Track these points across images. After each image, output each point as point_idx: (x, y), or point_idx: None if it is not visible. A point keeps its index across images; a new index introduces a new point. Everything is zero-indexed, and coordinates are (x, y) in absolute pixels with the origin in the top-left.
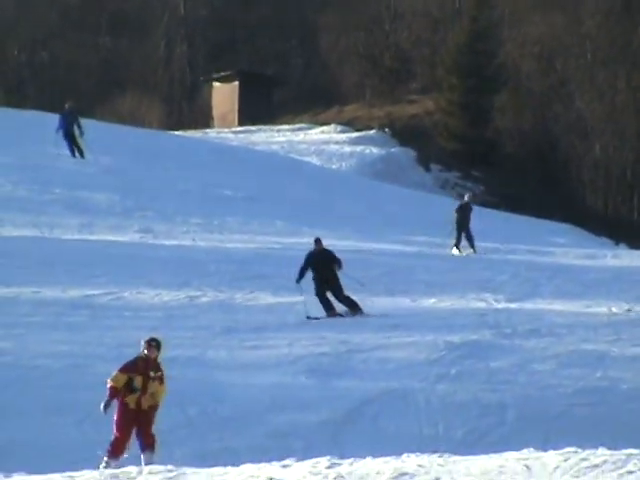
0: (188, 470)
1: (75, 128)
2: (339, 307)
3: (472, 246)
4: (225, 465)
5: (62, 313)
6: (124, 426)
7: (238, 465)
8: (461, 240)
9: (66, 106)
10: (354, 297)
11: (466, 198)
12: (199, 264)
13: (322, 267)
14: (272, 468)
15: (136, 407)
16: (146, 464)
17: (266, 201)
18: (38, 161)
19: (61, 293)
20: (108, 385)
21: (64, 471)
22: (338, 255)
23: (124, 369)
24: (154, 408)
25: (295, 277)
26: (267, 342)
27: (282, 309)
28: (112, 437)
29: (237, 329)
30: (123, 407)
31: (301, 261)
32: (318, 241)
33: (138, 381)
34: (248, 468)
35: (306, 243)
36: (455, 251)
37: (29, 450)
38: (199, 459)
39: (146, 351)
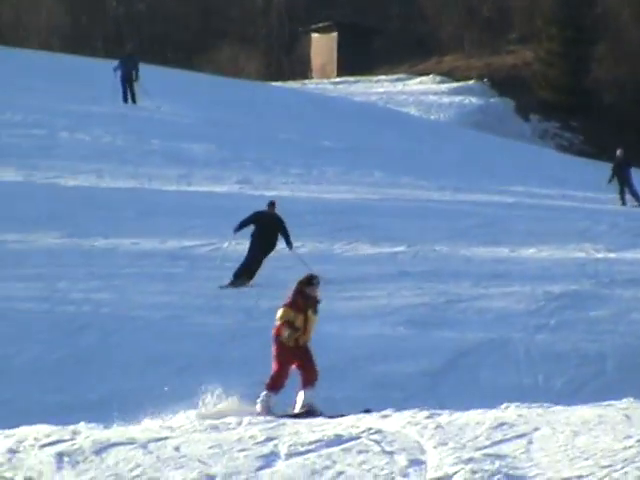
0: (287, 420)
1: (133, 73)
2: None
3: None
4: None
5: (161, 264)
6: (283, 361)
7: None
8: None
9: (127, 50)
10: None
11: (618, 153)
12: (298, 215)
13: (268, 232)
14: (371, 419)
15: (294, 344)
16: (306, 402)
17: (365, 152)
18: (136, 112)
19: (160, 244)
20: (279, 322)
21: (164, 421)
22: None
23: (290, 305)
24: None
25: (234, 226)
26: (366, 293)
27: (381, 260)
28: (272, 371)
29: (336, 280)
30: (281, 342)
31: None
32: (272, 204)
33: (300, 320)
34: (347, 419)
35: (406, 194)
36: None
37: (129, 401)
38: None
39: (308, 290)
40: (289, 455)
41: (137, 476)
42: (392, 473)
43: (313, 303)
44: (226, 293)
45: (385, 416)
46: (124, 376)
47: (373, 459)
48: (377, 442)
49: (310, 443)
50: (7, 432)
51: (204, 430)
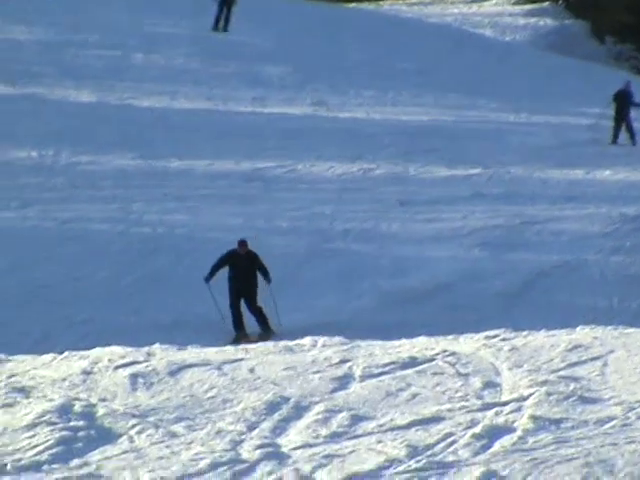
0: (362, 343)
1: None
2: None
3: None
4: (399, 338)
5: (235, 186)
6: None
7: (412, 338)
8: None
9: None
10: (265, 311)
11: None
12: (373, 137)
13: (244, 273)
14: (446, 341)
15: None
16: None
17: (440, 73)
18: (211, 34)
19: (234, 166)
20: None
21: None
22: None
23: None
24: None
25: (205, 274)
26: (441, 215)
27: (456, 182)
28: None
29: (411, 202)
30: None
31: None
32: (243, 243)
33: None
34: (422, 341)
35: (481, 116)
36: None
37: (202, 322)
38: (372, 332)
39: None
40: (363, 377)
41: (212, 397)
42: (467, 395)
43: None
44: (300, 215)
45: (460, 338)
46: (199, 298)
47: (447, 381)
48: (451, 364)
49: (384, 365)
50: (82, 353)
51: (278, 352)
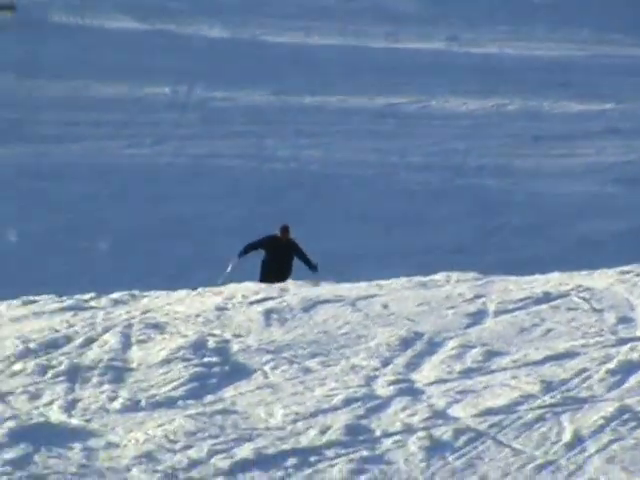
0: (495, 278)
1: None
2: None
3: None
4: (532, 273)
5: (368, 122)
6: None
7: (545, 273)
8: None
9: None
10: None
11: None
12: (506, 72)
13: (280, 259)
14: (580, 276)
15: None
16: None
17: (573, 8)
18: None
19: (367, 101)
20: None
21: (371, 279)
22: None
23: None
24: None
25: (238, 251)
26: (574, 151)
27: (589, 116)
28: None
29: (544, 137)
30: None
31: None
32: (285, 230)
33: None
34: (556, 276)
35: (615, 51)
36: None
37: (338, 260)
38: (505, 267)
39: None
40: (497, 312)
41: (346, 333)
42: (601, 331)
43: None
44: (433, 151)
45: (594, 273)
46: (334, 234)
47: (582, 317)
48: (586, 300)
49: (518, 300)
50: (216, 290)
51: (412, 288)
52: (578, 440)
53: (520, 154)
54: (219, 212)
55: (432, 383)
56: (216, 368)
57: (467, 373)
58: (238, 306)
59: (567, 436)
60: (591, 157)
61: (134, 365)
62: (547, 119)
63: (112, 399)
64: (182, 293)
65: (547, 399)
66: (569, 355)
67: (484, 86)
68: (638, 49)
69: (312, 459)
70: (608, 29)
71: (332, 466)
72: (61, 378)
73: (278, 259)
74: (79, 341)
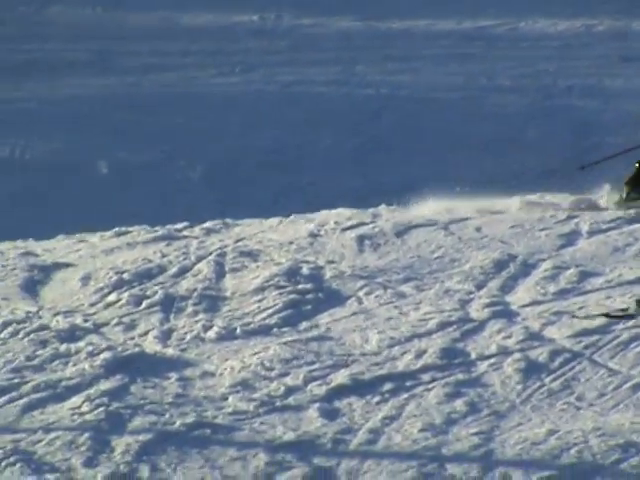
0: (590, 197)
1: None
2: None
3: None
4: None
5: (456, 45)
6: None
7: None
8: None
9: None
10: None
11: None
12: None
13: None
14: None
15: None
16: None
17: None
18: None
19: (455, 25)
20: None
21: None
22: None
23: None
24: None
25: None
26: None
27: None
28: None
29: (634, 57)
30: None
31: None
32: None
33: None
34: None
35: None
36: None
37: (431, 185)
38: (598, 187)
39: None
40: (591, 233)
41: (439, 257)
42: None
43: None
44: (522, 73)
45: None
46: (426, 160)
47: None
48: None
49: (611, 220)
50: (308, 216)
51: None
52: None
53: (610, 74)
54: (310, 140)
55: (527, 305)
56: (310, 295)
57: (562, 294)
58: (331, 232)
59: None
60: None
61: (228, 294)
62: (636, 39)
63: (207, 328)
64: (275, 220)
65: None
66: None
67: (573, 7)
68: None
69: (408, 384)
70: None
71: (428, 390)
72: (155, 308)
73: None
74: (173, 271)
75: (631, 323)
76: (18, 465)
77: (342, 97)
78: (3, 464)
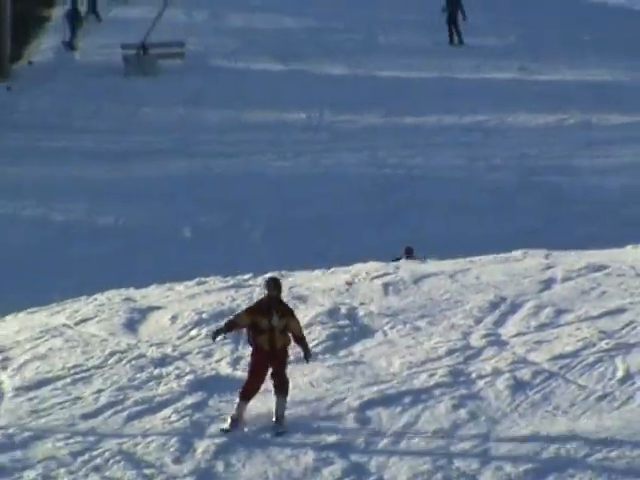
0: (561, 253)
1: (459, 13)
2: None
3: None
4: (590, 249)
5: (458, 135)
6: (257, 368)
7: (600, 249)
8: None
9: None
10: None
11: None
12: (565, 94)
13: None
14: (627, 250)
15: (270, 347)
16: (278, 413)
17: (617, 42)
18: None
19: (457, 120)
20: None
21: (465, 256)
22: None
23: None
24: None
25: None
26: (619, 152)
27: (632, 127)
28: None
29: (596, 143)
30: (257, 346)
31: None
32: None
33: (264, 323)
34: (608, 251)
35: None
36: None
37: (438, 243)
38: (568, 245)
39: (266, 291)
40: (564, 279)
41: (446, 299)
42: None
43: (277, 304)
44: (510, 155)
45: (638, 247)
46: (432, 221)
47: (629, 280)
48: (632, 267)
49: (579, 270)
50: (345, 269)
51: (497, 262)
52: (629, 376)
53: (577, 156)
54: (345, 208)
55: (515, 335)
56: (347, 329)
57: (541, 327)
58: (363, 280)
59: (620, 373)
60: (629, 157)
61: None
62: (598, 130)
63: None
64: (319, 272)
65: (604, 345)
66: (620, 310)
67: (548, 105)
68: None
69: (423, 397)
70: None
71: (439, 402)
72: (227, 341)
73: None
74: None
75: (595, 349)
76: (122, 463)
77: (369, 176)
78: (111, 462)
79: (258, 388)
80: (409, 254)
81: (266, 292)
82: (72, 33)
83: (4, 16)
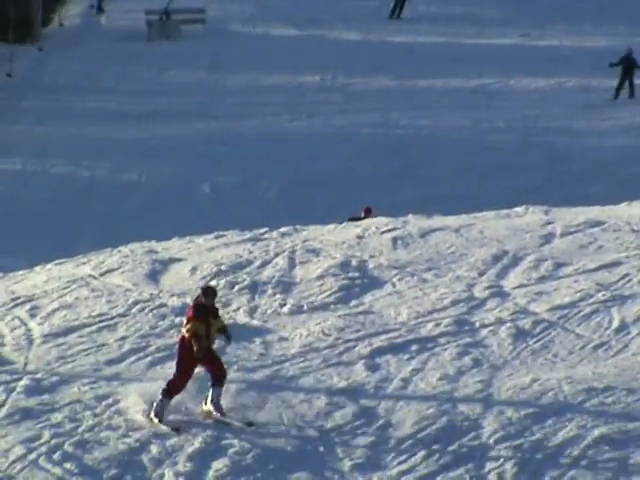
0: (560, 209)
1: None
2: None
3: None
4: (587, 205)
5: (464, 97)
6: (185, 367)
7: (597, 205)
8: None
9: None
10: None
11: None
12: (564, 58)
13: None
14: (622, 207)
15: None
16: (214, 400)
17: (614, 9)
18: None
19: (464, 83)
20: (187, 335)
21: (470, 212)
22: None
23: (195, 318)
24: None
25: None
26: (617, 114)
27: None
28: (173, 376)
29: (595, 105)
30: (185, 350)
31: None
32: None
33: (202, 329)
34: (604, 207)
35: None
36: None
37: (443, 199)
38: (567, 201)
39: (205, 301)
40: (563, 234)
41: (452, 252)
42: (639, 245)
43: (212, 310)
44: (512, 117)
45: (632, 204)
46: (438, 181)
47: (624, 235)
48: (627, 223)
49: (578, 225)
50: (356, 223)
51: (500, 218)
52: (624, 326)
53: (576, 118)
54: (356, 167)
55: (516, 287)
56: (358, 281)
57: (542, 279)
58: (372, 235)
59: (615, 323)
60: (628, 119)
61: (298, 280)
62: (596, 92)
63: (282, 305)
64: (331, 226)
65: (600, 297)
66: (616, 264)
67: (548, 69)
68: None
69: (429, 345)
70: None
71: (444, 350)
72: (244, 291)
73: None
74: (257, 263)
75: (592, 300)
76: (144, 406)
77: (380, 136)
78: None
79: (184, 386)
80: (367, 214)
81: (203, 299)
82: None
83: None
